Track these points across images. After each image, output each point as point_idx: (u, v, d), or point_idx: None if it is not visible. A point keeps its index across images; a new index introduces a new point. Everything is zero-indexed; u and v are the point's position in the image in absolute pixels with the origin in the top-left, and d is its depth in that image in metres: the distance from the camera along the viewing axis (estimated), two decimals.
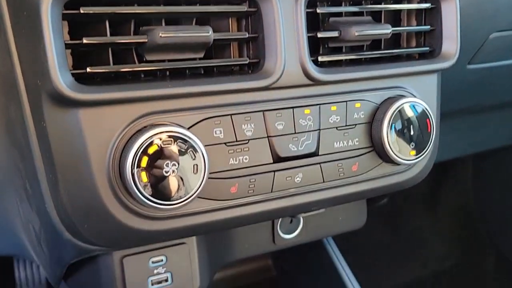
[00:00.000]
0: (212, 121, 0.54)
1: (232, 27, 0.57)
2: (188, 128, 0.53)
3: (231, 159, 0.56)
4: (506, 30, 0.86)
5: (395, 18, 0.68)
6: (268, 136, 0.57)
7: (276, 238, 0.83)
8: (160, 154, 0.50)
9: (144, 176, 0.49)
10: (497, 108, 1.20)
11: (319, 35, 0.59)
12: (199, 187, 0.52)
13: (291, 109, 0.58)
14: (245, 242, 0.81)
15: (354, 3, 0.64)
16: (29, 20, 0.47)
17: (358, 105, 0.62)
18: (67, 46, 0.48)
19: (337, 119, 0.61)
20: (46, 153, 0.53)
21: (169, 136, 0.50)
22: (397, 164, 0.64)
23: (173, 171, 0.50)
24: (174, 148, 0.50)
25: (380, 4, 0.64)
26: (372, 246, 1.83)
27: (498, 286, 1.79)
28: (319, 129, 0.60)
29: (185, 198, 0.51)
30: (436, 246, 1.92)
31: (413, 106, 0.63)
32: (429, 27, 0.66)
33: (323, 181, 0.61)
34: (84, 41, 0.49)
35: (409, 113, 0.63)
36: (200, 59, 0.55)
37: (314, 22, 0.61)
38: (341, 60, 0.63)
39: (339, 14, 0.63)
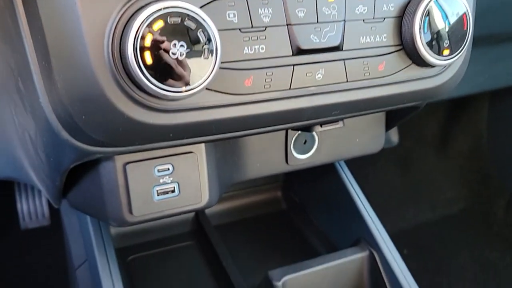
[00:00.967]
0: (225, 1, 0.48)
1: None
2: (200, 7, 0.46)
3: (246, 47, 0.49)
4: None
5: None
6: (287, 24, 0.51)
7: (290, 158, 0.78)
8: (167, 32, 0.44)
9: (148, 56, 0.43)
10: None
11: None
12: (210, 74, 0.46)
13: None
14: (257, 161, 0.76)
15: None
16: None
17: None
18: None
19: (364, 10, 0.54)
20: (38, 35, 0.47)
21: (178, 14, 0.44)
22: (428, 66, 0.58)
23: (181, 54, 0.44)
24: (182, 26, 0.44)
25: None
26: (381, 188, 1.80)
27: (508, 232, 1.77)
28: (344, 20, 0.53)
29: (193, 86, 0.45)
30: (446, 190, 1.89)
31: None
32: None
33: (347, 81, 0.55)
34: None
35: (445, 7, 0.56)
36: None
37: None
38: None
39: None
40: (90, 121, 0.48)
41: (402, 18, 0.56)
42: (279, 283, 0.73)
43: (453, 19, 0.56)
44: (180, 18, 0.44)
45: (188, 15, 0.44)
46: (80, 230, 0.80)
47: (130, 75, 0.45)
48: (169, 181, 0.60)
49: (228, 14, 0.48)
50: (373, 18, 0.55)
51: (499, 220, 1.80)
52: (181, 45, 0.44)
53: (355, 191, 0.85)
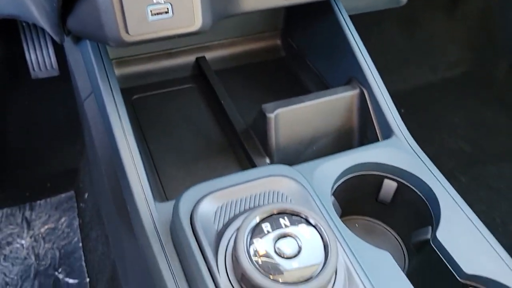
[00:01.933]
0: None
1: None
2: None
3: None
4: None
5: None
6: None
7: None
8: None
9: None
10: None
11: None
12: None
13: None
14: None
15: None
16: None
17: None
18: None
19: None
20: None
21: None
22: None
23: None
24: None
25: None
26: (384, 49, 1.80)
27: (506, 93, 1.80)
28: None
29: None
30: (450, 52, 1.89)
31: None
32: None
33: None
34: None
35: None
36: None
37: None
38: None
39: None
40: None
41: None
42: (272, 115, 0.79)
43: None
44: None
45: None
46: (85, 66, 0.84)
47: None
48: (162, 2, 0.62)
49: None
50: None
51: (500, 82, 1.83)
52: None
53: (351, 33, 0.86)
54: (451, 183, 0.72)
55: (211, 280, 0.51)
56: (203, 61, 1.02)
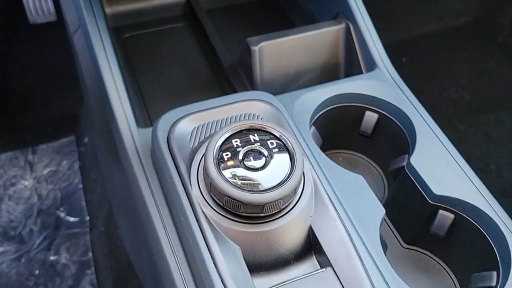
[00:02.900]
0: None
1: None
2: None
3: None
4: None
5: None
6: None
7: None
8: None
9: None
10: None
11: None
12: None
13: None
14: None
15: None
16: None
17: None
18: None
19: None
20: None
21: None
22: None
23: None
24: None
25: None
26: None
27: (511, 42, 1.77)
28: None
29: None
30: (456, 0, 1.84)
31: None
32: None
33: None
34: None
35: None
36: None
37: None
38: None
39: None
40: None
41: None
42: (256, 48, 0.79)
43: None
44: None
45: None
46: (73, 1, 0.85)
47: None
48: None
49: None
50: None
51: (505, 31, 1.79)
52: None
53: None
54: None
55: (184, 193, 0.54)
56: (193, 0, 1.02)
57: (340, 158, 0.83)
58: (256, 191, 0.49)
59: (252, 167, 0.51)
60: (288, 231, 0.51)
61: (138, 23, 1.00)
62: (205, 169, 0.51)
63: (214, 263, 0.49)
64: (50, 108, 1.49)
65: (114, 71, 0.70)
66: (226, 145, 0.53)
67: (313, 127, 0.73)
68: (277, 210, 0.50)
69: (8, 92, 1.50)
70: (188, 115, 0.60)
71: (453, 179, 0.63)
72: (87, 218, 1.24)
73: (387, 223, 0.73)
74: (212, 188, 0.51)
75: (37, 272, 1.13)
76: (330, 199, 0.55)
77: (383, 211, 0.60)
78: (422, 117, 0.71)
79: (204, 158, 0.51)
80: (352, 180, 0.63)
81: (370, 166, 0.81)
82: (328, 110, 0.75)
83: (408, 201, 0.67)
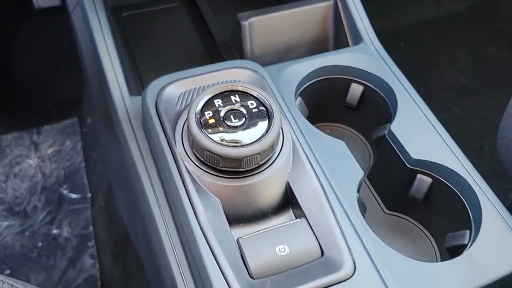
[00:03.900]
0: None
1: None
2: None
3: None
4: None
5: None
6: None
7: None
8: None
9: None
10: None
11: None
12: None
13: None
14: None
15: None
16: None
17: None
18: None
19: None
20: None
21: None
22: None
23: None
24: None
25: None
26: None
27: (510, 27, 1.77)
28: None
29: None
30: None
31: None
32: None
33: None
34: None
35: None
36: None
37: None
38: None
39: None
40: None
41: None
42: (246, 23, 0.82)
43: None
44: None
45: None
46: None
47: None
48: None
49: None
50: None
51: (504, 16, 1.80)
52: None
53: None
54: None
55: (169, 150, 0.57)
56: None
57: (328, 131, 0.86)
58: (235, 146, 0.52)
59: (232, 126, 0.54)
60: (266, 186, 0.54)
61: (136, 3, 1.03)
62: (188, 127, 0.54)
63: (195, 213, 0.52)
64: (54, 92, 1.53)
65: (109, 43, 0.74)
66: (208, 105, 0.56)
67: (299, 98, 0.76)
68: (255, 166, 0.53)
69: (15, 76, 1.54)
70: (175, 81, 0.64)
71: (430, 144, 0.66)
72: (89, 195, 1.28)
73: (371, 191, 0.76)
74: (194, 144, 0.54)
75: (40, 244, 1.17)
76: (307, 157, 0.58)
77: (362, 173, 0.63)
78: (404, 87, 0.74)
79: (187, 117, 0.55)
80: (333, 145, 0.66)
81: (356, 137, 0.84)
82: (314, 82, 0.78)
83: (389, 167, 0.70)
